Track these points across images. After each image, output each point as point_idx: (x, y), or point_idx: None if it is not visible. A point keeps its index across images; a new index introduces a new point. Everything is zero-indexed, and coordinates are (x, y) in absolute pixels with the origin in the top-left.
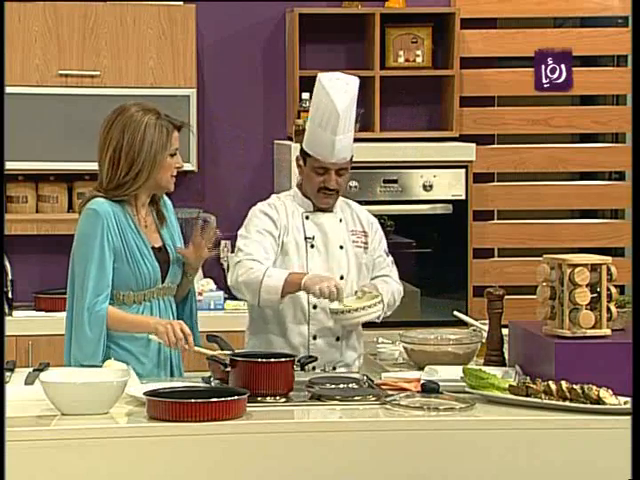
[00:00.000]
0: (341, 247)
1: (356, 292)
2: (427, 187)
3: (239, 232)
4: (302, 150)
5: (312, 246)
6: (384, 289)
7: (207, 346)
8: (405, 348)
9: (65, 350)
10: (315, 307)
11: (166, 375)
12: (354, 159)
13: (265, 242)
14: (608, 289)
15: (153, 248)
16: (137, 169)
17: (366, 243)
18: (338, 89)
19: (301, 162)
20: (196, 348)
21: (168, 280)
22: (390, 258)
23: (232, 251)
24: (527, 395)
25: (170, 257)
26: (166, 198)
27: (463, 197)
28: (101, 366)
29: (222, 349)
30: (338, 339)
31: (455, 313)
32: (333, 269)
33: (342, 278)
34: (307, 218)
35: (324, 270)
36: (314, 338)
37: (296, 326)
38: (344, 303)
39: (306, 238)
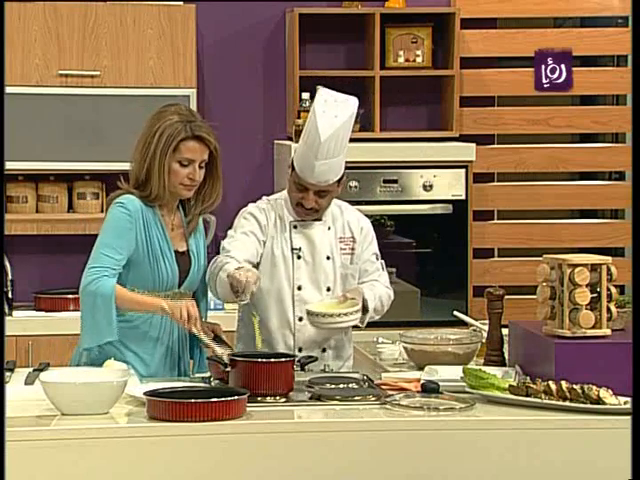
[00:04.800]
0: (328, 258)
1: (338, 297)
2: (427, 187)
3: (228, 232)
4: (292, 160)
5: (299, 257)
6: (369, 295)
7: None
8: (405, 348)
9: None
10: (301, 319)
11: (172, 376)
12: (354, 159)
13: (248, 242)
14: (608, 289)
15: (176, 252)
16: (146, 167)
17: (353, 249)
18: (329, 114)
19: (289, 170)
20: (197, 332)
21: (185, 286)
22: (380, 262)
23: None
24: (527, 395)
25: (192, 264)
26: (202, 226)
27: (463, 197)
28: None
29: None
30: (324, 350)
31: (455, 313)
32: (320, 280)
33: (329, 290)
34: (295, 227)
35: (311, 281)
36: (299, 350)
37: (282, 337)
38: (323, 306)
39: (293, 249)
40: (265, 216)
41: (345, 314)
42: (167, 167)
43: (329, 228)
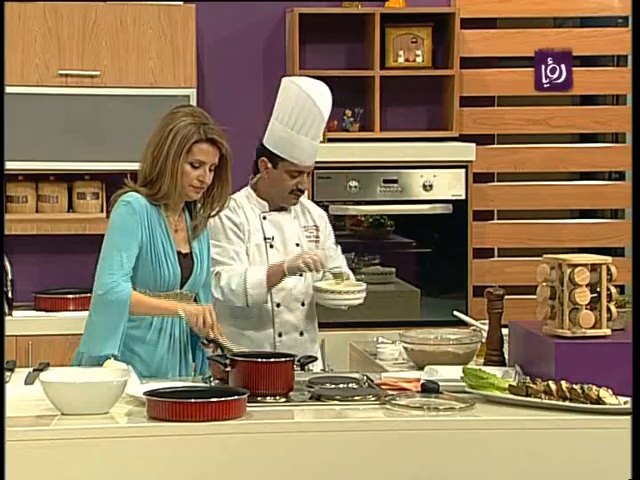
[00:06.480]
0: (297, 244)
1: (324, 273)
2: (427, 187)
3: (212, 241)
4: (271, 154)
5: (271, 246)
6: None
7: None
8: (405, 348)
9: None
10: (279, 305)
11: (173, 375)
12: (354, 159)
13: (235, 247)
14: (608, 289)
15: (179, 253)
16: (158, 167)
17: (317, 237)
18: (318, 94)
19: (269, 165)
20: (214, 337)
21: (187, 287)
22: (339, 248)
23: None
24: (527, 395)
25: (194, 266)
26: (206, 229)
27: (463, 197)
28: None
29: (222, 350)
30: (302, 334)
31: (455, 313)
32: None
33: (301, 275)
34: (264, 219)
35: None
36: (279, 335)
37: (261, 324)
38: (329, 283)
39: (265, 239)
40: (237, 214)
41: (353, 292)
42: (179, 168)
43: (294, 217)
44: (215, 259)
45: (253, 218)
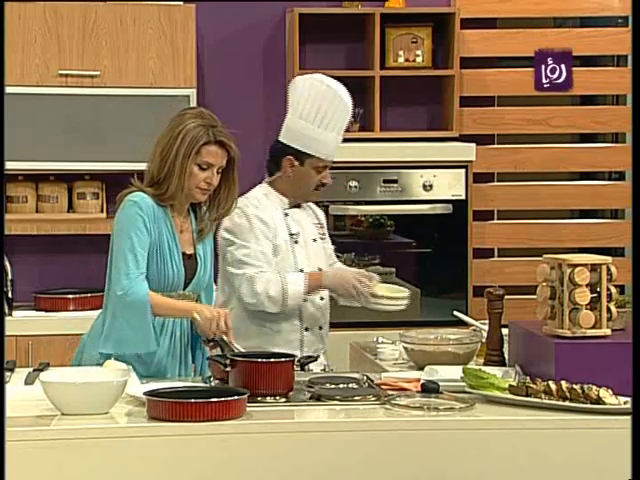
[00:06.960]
0: (314, 240)
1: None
2: (427, 187)
3: (232, 238)
4: (297, 151)
5: (296, 242)
6: None
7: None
8: (405, 348)
9: (83, 349)
10: (305, 300)
11: (173, 376)
12: (354, 159)
13: (263, 248)
14: (608, 289)
15: (184, 254)
16: (166, 168)
17: (324, 234)
18: (342, 90)
19: (296, 163)
20: (228, 341)
21: (190, 288)
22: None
23: None
24: (527, 395)
25: (198, 267)
26: (210, 239)
27: (463, 197)
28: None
29: (222, 349)
30: (320, 328)
31: (455, 313)
32: (315, 262)
33: (320, 270)
34: (286, 215)
35: (307, 265)
36: (306, 330)
37: (290, 320)
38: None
39: (291, 234)
40: (263, 211)
41: (399, 298)
42: (187, 169)
43: (307, 215)
44: (242, 260)
45: (277, 215)
